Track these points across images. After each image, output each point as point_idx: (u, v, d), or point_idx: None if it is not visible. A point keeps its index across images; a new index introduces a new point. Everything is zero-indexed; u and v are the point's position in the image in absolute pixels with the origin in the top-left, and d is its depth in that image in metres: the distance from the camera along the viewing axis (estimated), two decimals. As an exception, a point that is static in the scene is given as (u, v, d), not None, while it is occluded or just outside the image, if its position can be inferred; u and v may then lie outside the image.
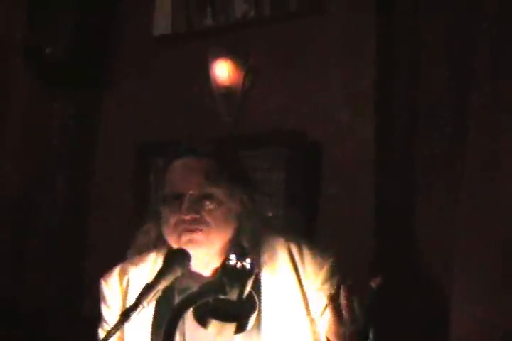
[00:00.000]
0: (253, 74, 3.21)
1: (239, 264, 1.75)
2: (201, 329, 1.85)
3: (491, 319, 2.39)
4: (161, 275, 1.81)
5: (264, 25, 3.24)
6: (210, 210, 1.93)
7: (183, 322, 1.91)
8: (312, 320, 1.98)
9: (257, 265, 1.94)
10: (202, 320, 1.79)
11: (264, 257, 2.00)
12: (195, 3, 3.41)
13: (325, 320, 1.93)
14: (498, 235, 2.44)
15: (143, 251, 2.09)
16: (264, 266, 1.99)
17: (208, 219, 1.92)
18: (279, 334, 1.95)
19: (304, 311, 1.98)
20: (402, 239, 2.72)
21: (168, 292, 1.91)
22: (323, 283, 1.99)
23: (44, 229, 3.63)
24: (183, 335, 1.96)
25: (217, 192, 1.93)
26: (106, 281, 2.11)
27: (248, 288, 1.78)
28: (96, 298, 2.15)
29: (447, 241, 2.57)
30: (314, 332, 1.98)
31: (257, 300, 1.84)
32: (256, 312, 1.83)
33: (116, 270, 2.12)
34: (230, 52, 3.20)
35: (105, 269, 2.18)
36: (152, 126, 3.49)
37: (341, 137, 2.98)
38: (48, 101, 3.74)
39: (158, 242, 2.03)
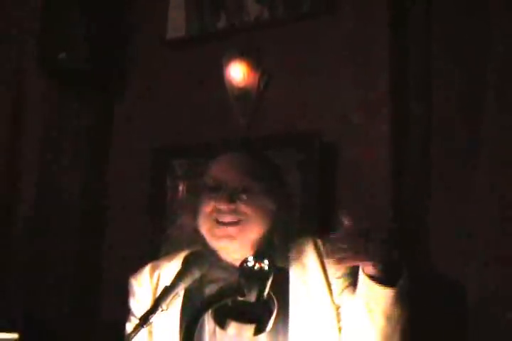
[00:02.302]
0: (267, 76, 3.21)
1: (257, 266, 1.75)
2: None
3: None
4: (179, 277, 1.82)
5: (277, 26, 3.24)
6: (246, 202, 1.97)
7: (211, 323, 1.92)
8: (337, 308, 2.00)
9: (286, 258, 1.97)
10: (221, 322, 1.80)
11: (293, 253, 2.02)
12: (208, 6, 3.42)
13: (344, 298, 1.98)
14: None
15: (177, 246, 2.10)
16: (293, 261, 2.01)
17: (244, 210, 1.97)
18: (306, 328, 1.96)
19: (330, 301, 2.00)
20: (419, 239, 2.71)
21: (197, 282, 1.93)
22: (343, 275, 2.02)
23: (60, 232, 3.63)
24: (211, 335, 1.97)
25: (255, 186, 1.99)
26: (136, 279, 2.14)
27: (267, 290, 1.78)
28: (113, 302, 2.16)
29: (463, 241, 2.56)
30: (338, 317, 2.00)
31: (275, 302, 1.85)
32: (275, 314, 1.84)
33: (147, 267, 2.15)
34: (244, 55, 3.21)
35: (122, 272, 2.19)
36: (167, 129, 3.49)
37: (356, 138, 2.97)
38: (62, 107, 3.75)
39: (194, 236, 2.04)
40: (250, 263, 1.76)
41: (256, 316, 1.80)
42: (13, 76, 3.88)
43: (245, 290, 1.74)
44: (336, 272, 2.02)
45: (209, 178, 2.03)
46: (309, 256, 2.05)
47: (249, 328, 1.79)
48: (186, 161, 3.38)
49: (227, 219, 1.96)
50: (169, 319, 1.97)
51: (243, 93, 3.21)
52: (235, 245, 1.96)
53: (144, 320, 1.72)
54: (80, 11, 3.51)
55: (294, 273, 2.01)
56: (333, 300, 2.00)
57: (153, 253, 3.31)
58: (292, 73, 3.17)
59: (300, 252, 2.05)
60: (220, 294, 1.77)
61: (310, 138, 3.06)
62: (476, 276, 2.48)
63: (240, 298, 1.75)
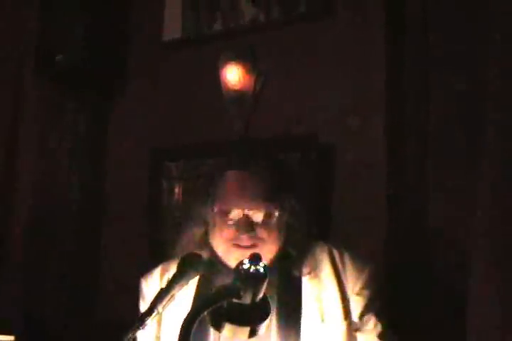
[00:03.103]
0: (263, 78, 3.21)
1: (252, 268, 1.75)
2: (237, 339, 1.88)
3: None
4: (174, 280, 1.82)
5: (273, 29, 3.24)
6: (264, 227, 1.95)
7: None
8: (349, 324, 2.00)
9: (300, 269, 1.98)
10: (216, 324, 1.80)
11: (308, 262, 2.03)
12: (204, 8, 3.42)
13: (364, 325, 2.00)
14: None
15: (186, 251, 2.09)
16: (308, 269, 2.02)
17: (263, 235, 1.95)
18: (317, 336, 1.97)
19: (343, 316, 2.00)
20: (414, 239, 2.71)
21: (206, 288, 1.95)
22: (363, 288, 2.04)
23: (58, 234, 3.64)
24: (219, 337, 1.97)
25: (271, 208, 1.95)
26: (146, 280, 2.15)
27: (262, 292, 1.78)
28: (109, 302, 2.17)
29: (461, 241, 2.57)
30: (350, 336, 2.01)
31: (270, 305, 1.85)
32: (269, 317, 1.84)
33: (157, 269, 2.15)
34: (240, 57, 3.21)
35: (118, 272, 2.20)
36: (163, 131, 3.50)
37: (352, 140, 2.97)
38: (60, 107, 3.76)
39: (202, 244, 2.03)
40: (246, 266, 1.76)
41: (251, 319, 1.80)
42: (12, 76, 3.88)
43: (241, 293, 1.74)
44: (354, 288, 2.03)
45: (221, 202, 1.96)
46: (324, 268, 2.04)
47: (244, 330, 1.80)
48: (183, 163, 3.38)
49: (246, 243, 1.95)
50: (176, 325, 1.99)
51: (239, 95, 3.22)
52: None
53: (140, 322, 1.72)
54: (78, 12, 3.51)
55: (308, 284, 2.01)
56: (346, 317, 2.00)
57: (151, 254, 3.37)
58: (288, 75, 3.17)
59: (315, 263, 2.04)
60: (216, 296, 1.77)
61: (306, 141, 3.07)
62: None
63: (236, 300, 1.75)
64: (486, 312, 2.34)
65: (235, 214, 1.94)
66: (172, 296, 1.79)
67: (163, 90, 3.55)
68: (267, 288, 1.83)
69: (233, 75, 3.21)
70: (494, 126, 2.43)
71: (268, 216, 1.95)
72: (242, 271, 1.75)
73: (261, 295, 1.78)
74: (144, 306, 2.11)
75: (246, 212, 1.93)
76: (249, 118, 3.21)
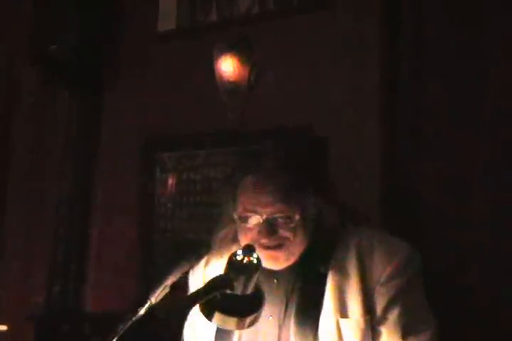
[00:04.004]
0: (258, 69, 3.21)
1: (246, 259, 1.76)
2: (260, 335, 1.90)
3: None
4: (168, 271, 1.82)
5: (268, 20, 3.24)
6: (287, 228, 1.90)
7: None
8: (369, 321, 1.94)
9: (326, 264, 1.95)
10: (208, 313, 1.81)
11: (336, 254, 1.97)
12: (199, -2, 3.43)
13: (387, 318, 1.93)
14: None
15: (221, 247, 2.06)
16: (333, 263, 1.97)
17: (287, 235, 1.90)
18: (337, 333, 1.93)
19: (363, 310, 1.94)
20: (408, 234, 2.72)
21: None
22: (390, 279, 1.94)
23: (49, 225, 3.64)
24: (240, 336, 1.97)
25: (291, 211, 1.90)
26: (193, 271, 2.10)
27: (254, 283, 1.79)
28: (100, 297, 2.17)
29: (457, 237, 2.58)
30: (371, 331, 1.95)
31: (264, 299, 1.85)
32: (261, 310, 1.84)
33: (203, 261, 2.10)
34: (235, 48, 3.20)
35: (110, 266, 2.19)
36: (157, 121, 3.49)
37: (346, 133, 2.98)
38: (53, 98, 3.75)
39: (236, 240, 2.00)
40: (239, 257, 1.76)
41: (240, 309, 1.81)
42: (5, 66, 3.87)
43: (234, 284, 1.75)
44: (381, 277, 1.95)
45: (242, 208, 1.91)
46: (351, 260, 1.97)
47: (232, 321, 1.80)
48: (176, 154, 3.38)
49: (272, 243, 1.91)
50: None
51: (233, 86, 3.21)
52: (281, 263, 1.92)
53: (133, 312, 1.72)
54: (72, 2, 3.50)
55: (333, 279, 1.96)
56: (368, 313, 1.94)
57: (143, 245, 3.37)
58: (283, 67, 3.17)
59: (343, 255, 1.98)
60: (210, 287, 1.77)
61: (300, 132, 3.06)
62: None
63: (229, 291, 1.76)
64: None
65: (255, 219, 1.91)
66: (165, 287, 1.79)
67: (157, 81, 3.54)
68: (291, 286, 1.82)
69: (228, 66, 3.20)
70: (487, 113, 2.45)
71: (288, 218, 1.90)
72: (236, 262, 1.76)
73: (252, 286, 1.79)
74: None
75: (265, 217, 1.90)
76: (243, 110, 3.21)
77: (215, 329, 1.97)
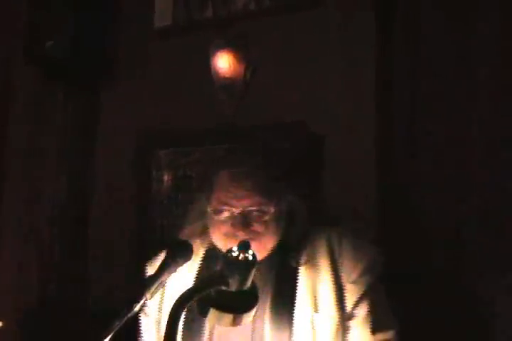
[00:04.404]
0: (254, 66, 3.20)
1: (241, 256, 1.75)
2: (232, 329, 1.89)
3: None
4: (163, 267, 1.82)
5: (264, 17, 3.23)
6: (260, 222, 1.94)
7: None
8: (342, 315, 1.98)
9: (297, 259, 1.98)
10: (202, 310, 1.80)
11: (307, 250, 2.01)
12: (195, -6, 3.42)
13: (357, 314, 1.98)
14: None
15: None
16: (305, 259, 2.00)
17: (260, 229, 1.94)
18: (310, 327, 1.96)
19: (337, 305, 1.98)
20: (404, 232, 2.72)
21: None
22: (360, 276, 2.00)
23: (46, 220, 3.63)
24: (212, 332, 2.00)
25: (266, 204, 1.94)
26: (151, 265, 2.13)
27: (250, 280, 1.78)
28: (98, 291, 2.17)
29: (452, 229, 2.58)
30: (346, 327, 1.99)
31: (259, 295, 1.85)
32: (255, 307, 1.84)
33: (161, 255, 2.12)
34: (231, 44, 3.20)
35: (107, 261, 2.19)
36: (153, 118, 3.49)
37: (342, 129, 2.97)
38: (49, 95, 3.74)
39: (204, 236, 2.03)
40: (235, 253, 1.76)
41: (236, 306, 1.80)
42: (1, 66, 3.86)
43: (229, 280, 1.75)
44: (350, 276, 2.00)
45: (217, 201, 1.94)
46: (322, 256, 2.02)
47: (227, 317, 1.80)
48: (172, 150, 3.38)
49: (244, 237, 1.91)
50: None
51: (229, 83, 3.21)
52: None
53: (128, 308, 1.72)
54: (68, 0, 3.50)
55: (304, 274, 2.00)
56: (340, 307, 1.98)
57: (139, 243, 3.37)
58: (278, 63, 3.16)
59: (313, 251, 2.02)
60: (204, 283, 1.77)
61: (296, 129, 3.06)
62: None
63: (224, 288, 1.75)
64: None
65: (230, 212, 1.94)
66: (161, 283, 1.79)
67: (154, 78, 3.54)
68: (264, 280, 1.82)
69: (224, 63, 3.20)
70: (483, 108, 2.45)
71: (263, 212, 1.94)
72: (231, 258, 1.75)
73: (249, 282, 1.78)
74: None
75: (240, 210, 1.93)
76: (240, 106, 3.20)
77: (182, 324, 1.96)
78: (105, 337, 1.69)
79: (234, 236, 1.93)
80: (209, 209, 1.97)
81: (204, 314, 1.81)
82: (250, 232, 1.93)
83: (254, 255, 1.76)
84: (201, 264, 2.03)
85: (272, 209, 1.94)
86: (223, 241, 1.97)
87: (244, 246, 1.77)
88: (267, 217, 1.94)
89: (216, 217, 1.96)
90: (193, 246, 1.97)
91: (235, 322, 1.82)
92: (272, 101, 3.15)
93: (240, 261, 1.75)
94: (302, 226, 2.02)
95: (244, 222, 1.92)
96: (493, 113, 2.56)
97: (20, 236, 3.71)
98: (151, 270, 2.12)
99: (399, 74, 2.81)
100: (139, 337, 2.12)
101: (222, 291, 1.77)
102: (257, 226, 1.93)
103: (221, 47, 3.21)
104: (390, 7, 2.87)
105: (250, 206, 1.92)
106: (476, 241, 2.49)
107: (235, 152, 2.03)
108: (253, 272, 1.77)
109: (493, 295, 2.49)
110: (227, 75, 3.20)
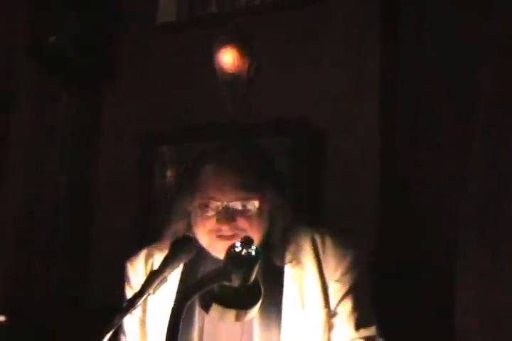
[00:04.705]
0: (257, 62, 3.20)
1: (244, 251, 1.75)
2: (222, 326, 1.91)
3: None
4: (166, 262, 1.82)
5: (268, 13, 3.23)
6: (245, 217, 1.95)
7: (203, 315, 1.93)
8: (328, 313, 2.00)
9: (282, 257, 1.99)
10: (205, 305, 1.80)
11: (291, 248, 2.03)
12: (199, -10, 3.41)
13: (341, 311, 2.00)
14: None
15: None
16: (289, 257, 2.02)
17: (244, 225, 1.94)
18: (297, 325, 1.97)
19: (322, 303, 2.00)
20: (406, 227, 2.72)
21: (191, 277, 1.94)
22: (343, 275, 2.03)
23: (48, 220, 3.63)
24: (202, 321, 2.00)
25: (251, 199, 1.95)
26: (131, 263, 2.14)
27: (253, 275, 1.78)
28: (99, 289, 2.16)
29: (453, 229, 2.57)
30: (331, 325, 2.02)
31: (262, 290, 1.84)
32: (259, 303, 1.84)
33: (142, 253, 2.15)
34: (235, 40, 3.20)
35: (109, 259, 2.19)
36: (156, 114, 3.48)
37: (346, 125, 2.97)
38: (52, 93, 3.73)
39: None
40: (238, 249, 1.75)
41: (239, 302, 1.80)
42: (2, 62, 3.85)
43: (232, 276, 1.74)
44: (334, 274, 2.02)
45: (200, 196, 1.95)
46: (306, 254, 2.04)
47: (231, 313, 1.80)
48: (175, 147, 3.37)
49: (228, 233, 1.94)
50: (162, 309, 2.00)
51: (233, 79, 3.21)
52: None
53: (131, 304, 1.72)
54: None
55: (290, 272, 2.01)
56: (326, 305, 2.00)
57: (142, 239, 3.36)
58: (282, 59, 3.16)
59: (297, 250, 2.04)
60: (207, 279, 1.76)
61: (299, 125, 3.06)
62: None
63: (227, 283, 1.75)
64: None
65: (215, 206, 1.94)
66: (164, 278, 1.78)
67: (157, 73, 3.53)
68: None
69: (227, 59, 3.19)
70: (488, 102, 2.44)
71: (248, 206, 1.95)
72: (234, 254, 1.75)
73: (252, 278, 1.78)
74: (128, 290, 2.12)
75: (225, 204, 1.93)
76: (243, 102, 3.20)
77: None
78: (107, 332, 1.69)
79: (218, 232, 1.94)
80: (194, 205, 1.97)
81: (206, 309, 1.80)
82: (234, 228, 1.93)
83: (257, 250, 1.76)
84: (185, 263, 2.02)
85: (257, 205, 1.95)
86: (208, 238, 1.97)
87: (247, 242, 1.77)
88: (250, 213, 1.94)
89: (201, 213, 1.96)
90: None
91: (238, 318, 1.82)
92: (275, 97, 3.15)
93: (243, 256, 1.74)
94: (285, 225, 2.03)
95: (228, 216, 1.93)
96: (496, 110, 2.54)
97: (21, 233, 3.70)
98: (132, 269, 2.13)
99: (403, 69, 2.80)
100: (123, 335, 2.11)
101: (225, 287, 1.77)
102: (241, 222, 1.94)
103: (225, 43, 3.21)
104: (395, 4, 2.86)
105: (235, 200, 1.93)
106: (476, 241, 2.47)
107: (222, 148, 2.03)
108: (256, 268, 1.77)
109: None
110: (230, 71, 3.20)
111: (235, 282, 1.75)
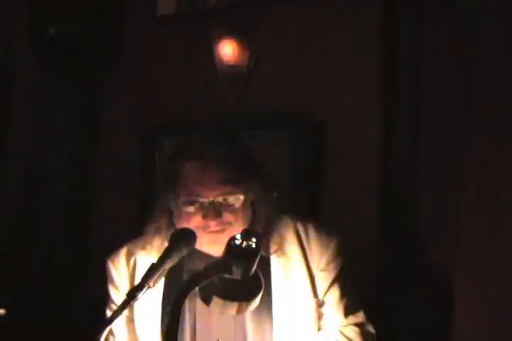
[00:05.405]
0: (257, 54, 3.19)
1: (244, 244, 1.75)
2: (214, 319, 1.93)
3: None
4: (166, 255, 1.81)
5: (268, 5, 3.21)
6: (231, 211, 1.95)
7: (195, 303, 1.93)
8: (317, 302, 2.03)
9: (267, 248, 1.98)
10: (205, 298, 1.80)
11: (275, 239, 2.03)
12: (199, -18, 3.40)
13: (328, 300, 2.01)
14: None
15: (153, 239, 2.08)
16: (274, 247, 2.02)
17: (230, 219, 1.95)
18: (288, 316, 1.98)
19: (311, 293, 2.02)
20: (405, 219, 2.71)
21: (177, 273, 1.94)
22: (328, 263, 2.04)
23: (49, 209, 3.63)
24: (194, 315, 2.00)
25: (236, 193, 1.95)
26: (112, 262, 2.13)
27: (254, 268, 1.78)
28: (101, 279, 2.16)
29: (451, 221, 2.56)
30: (319, 314, 2.04)
31: (262, 282, 1.85)
32: (260, 295, 1.84)
33: (123, 251, 2.14)
34: (235, 32, 3.19)
35: (110, 250, 2.18)
36: (157, 105, 3.48)
37: (345, 117, 2.97)
38: (52, 83, 3.72)
39: (169, 233, 2.00)
40: (238, 241, 1.75)
41: (240, 294, 1.80)
42: (2, 54, 3.84)
43: (232, 268, 1.74)
44: (319, 263, 2.04)
45: (185, 193, 1.94)
46: (290, 244, 2.05)
47: (232, 306, 1.80)
48: (175, 139, 3.36)
49: (216, 228, 1.95)
50: (150, 307, 2.01)
51: (233, 71, 3.20)
52: (222, 247, 1.94)
53: (131, 297, 1.71)
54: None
55: (276, 262, 2.02)
56: (315, 294, 2.02)
57: (141, 232, 3.35)
58: (282, 52, 3.16)
59: (281, 240, 2.05)
60: (208, 271, 1.76)
61: (299, 117, 3.06)
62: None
63: (227, 276, 1.75)
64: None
65: (201, 202, 1.94)
66: (163, 271, 1.78)
67: (157, 66, 3.52)
68: None
69: (227, 51, 3.19)
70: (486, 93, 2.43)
71: (233, 201, 1.95)
72: (234, 246, 1.75)
73: (252, 270, 1.78)
74: (112, 289, 2.12)
75: (211, 199, 1.93)
76: (243, 94, 3.19)
77: (159, 320, 1.99)
78: (106, 326, 1.69)
79: (205, 228, 1.94)
80: (178, 202, 1.96)
81: (207, 302, 1.80)
82: (221, 223, 1.94)
83: (257, 243, 1.76)
84: None
85: (242, 199, 1.95)
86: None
87: (247, 234, 1.77)
88: (236, 206, 1.95)
89: (186, 209, 1.95)
90: (160, 244, 2.00)
91: (240, 311, 1.82)
92: (275, 89, 3.14)
93: (244, 248, 1.74)
94: (268, 215, 2.04)
95: (215, 211, 1.92)
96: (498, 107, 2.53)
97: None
98: (114, 268, 2.12)
99: (404, 63, 2.79)
100: (111, 336, 2.10)
101: (225, 279, 1.76)
102: (228, 216, 1.94)
103: (224, 35, 3.20)
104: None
105: (220, 195, 1.93)
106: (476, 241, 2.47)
107: (201, 142, 2.00)
108: (257, 259, 1.77)
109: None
110: (230, 63, 3.19)
111: (236, 274, 1.75)
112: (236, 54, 3.18)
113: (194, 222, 1.94)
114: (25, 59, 3.72)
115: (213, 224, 1.93)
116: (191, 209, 1.95)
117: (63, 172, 3.65)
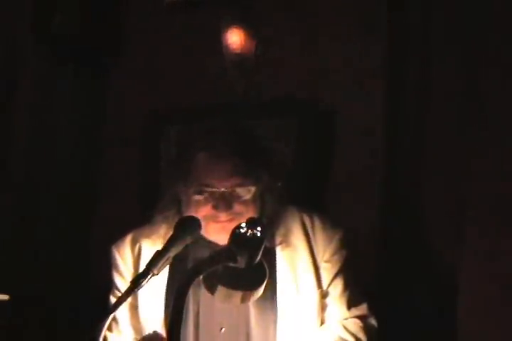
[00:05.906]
0: (265, 42, 3.18)
1: (249, 232, 1.74)
2: (218, 309, 1.93)
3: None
4: (171, 242, 1.81)
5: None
6: (241, 202, 1.95)
7: (199, 291, 1.93)
8: (321, 293, 2.03)
9: (272, 239, 1.99)
10: (210, 287, 1.80)
11: (280, 230, 2.03)
12: (207, -31, 3.38)
13: (332, 291, 2.01)
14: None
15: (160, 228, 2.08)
16: (279, 238, 2.02)
17: (241, 209, 1.95)
18: (292, 306, 1.98)
19: (315, 283, 2.02)
20: (410, 208, 2.71)
21: (182, 260, 1.94)
22: (333, 255, 2.05)
23: (52, 197, 3.62)
24: (198, 303, 2.00)
25: (247, 184, 1.95)
26: (118, 249, 2.13)
27: (258, 256, 1.77)
28: (104, 266, 2.16)
29: (455, 214, 2.56)
30: (323, 305, 2.04)
31: (267, 272, 1.84)
32: (264, 284, 1.84)
33: (128, 238, 2.14)
34: (242, 20, 3.18)
35: (113, 237, 2.18)
36: (163, 93, 3.47)
37: (353, 105, 2.96)
38: (57, 72, 3.71)
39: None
40: (243, 230, 1.75)
41: (245, 283, 1.80)
42: (6, 43, 3.82)
43: (237, 257, 1.74)
44: (324, 255, 2.04)
45: (196, 183, 1.94)
46: (296, 236, 2.05)
47: (237, 295, 1.80)
48: (181, 127, 3.36)
49: (226, 218, 1.95)
50: (154, 294, 2.01)
51: (240, 59, 3.19)
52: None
53: (135, 284, 1.71)
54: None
55: (281, 253, 2.02)
56: (319, 285, 2.03)
57: (144, 221, 3.35)
58: (290, 40, 3.14)
59: (287, 231, 2.05)
60: (212, 259, 1.76)
61: (307, 105, 3.05)
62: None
63: (232, 264, 1.74)
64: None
65: (211, 192, 1.94)
66: (168, 259, 1.78)
67: (164, 53, 3.51)
68: None
69: (235, 38, 3.17)
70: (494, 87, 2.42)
71: (244, 192, 1.95)
72: (239, 235, 1.74)
73: (257, 259, 1.77)
74: (116, 276, 2.13)
75: (222, 191, 1.93)
76: (250, 82, 3.18)
77: (163, 307, 2.00)
78: (110, 313, 1.69)
79: (215, 218, 1.94)
80: (188, 191, 1.96)
81: (212, 291, 1.80)
82: (232, 213, 1.94)
83: (262, 231, 1.75)
84: None
85: (253, 190, 1.96)
86: (202, 222, 1.94)
87: (252, 223, 1.76)
88: (247, 197, 1.95)
89: (195, 198, 1.95)
90: (166, 232, 1.99)
91: (244, 300, 1.82)
92: (282, 77, 3.13)
93: (249, 237, 1.74)
94: (275, 207, 2.04)
95: (226, 203, 1.93)
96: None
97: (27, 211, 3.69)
98: (119, 255, 2.12)
99: (411, 48, 2.77)
100: (114, 323, 2.10)
101: (230, 268, 1.76)
102: (238, 207, 1.94)
103: (232, 22, 3.19)
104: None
105: (231, 187, 1.93)
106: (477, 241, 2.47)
107: (213, 133, 2.02)
108: (262, 248, 1.76)
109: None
110: (237, 51, 3.18)
111: (241, 263, 1.75)
112: (243, 42, 3.17)
113: (203, 211, 1.95)
114: (30, 47, 3.69)
115: (223, 215, 1.93)
116: (201, 198, 1.95)
117: (68, 157, 3.64)
